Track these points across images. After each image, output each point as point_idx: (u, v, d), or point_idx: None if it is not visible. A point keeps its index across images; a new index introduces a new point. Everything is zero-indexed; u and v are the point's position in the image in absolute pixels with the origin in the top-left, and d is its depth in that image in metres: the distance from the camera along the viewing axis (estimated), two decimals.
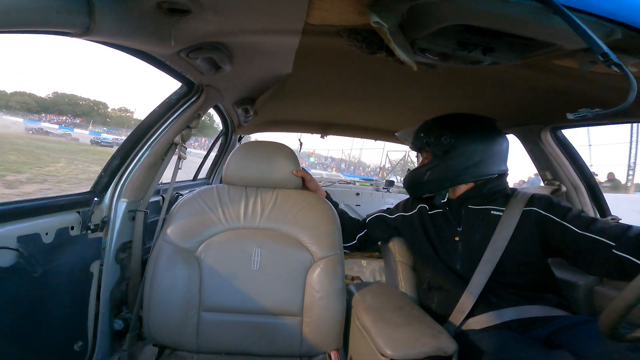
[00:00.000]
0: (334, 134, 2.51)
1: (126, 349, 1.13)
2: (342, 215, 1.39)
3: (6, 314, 0.82)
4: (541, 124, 1.46)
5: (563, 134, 1.51)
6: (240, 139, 2.56)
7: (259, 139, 1.47)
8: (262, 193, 1.23)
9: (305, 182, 1.34)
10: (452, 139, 1.18)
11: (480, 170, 1.16)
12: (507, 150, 1.21)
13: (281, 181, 1.24)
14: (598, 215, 1.48)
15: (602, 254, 0.93)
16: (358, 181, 3.15)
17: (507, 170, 1.21)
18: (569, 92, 1.08)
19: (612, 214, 1.46)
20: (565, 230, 1.01)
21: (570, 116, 0.61)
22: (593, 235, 0.95)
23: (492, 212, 1.14)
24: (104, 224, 1.13)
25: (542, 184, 1.63)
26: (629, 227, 0.94)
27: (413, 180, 1.28)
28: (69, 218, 1.00)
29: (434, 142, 1.21)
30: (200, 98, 1.24)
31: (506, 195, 1.17)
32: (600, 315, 0.64)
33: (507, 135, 1.66)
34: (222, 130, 2.26)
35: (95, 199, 1.10)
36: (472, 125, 1.21)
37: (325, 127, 2.41)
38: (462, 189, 1.21)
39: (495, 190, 1.18)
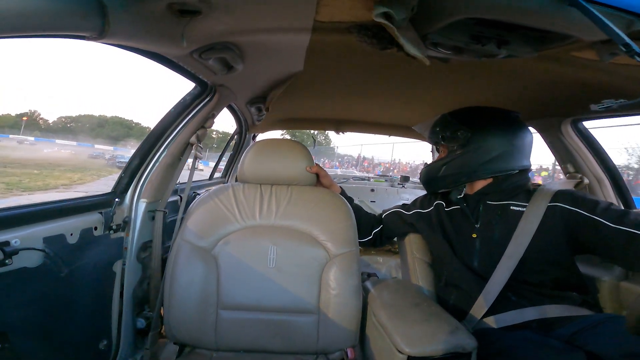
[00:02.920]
0: (348, 131, 2.50)
1: (148, 348, 1.16)
2: (358, 210, 1.39)
3: (34, 313, 0.85)
4: (561, 116, 1.42)
5: (584, 126, 1.45)
6: (254, 137, 2.58)
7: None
8: (276, 190, 1.24)
9: (319, 178, 1.34)
10: (468, 133, 1.15)
11: (499, 166, 1.12)
12: (530, 145, 1.16)
13: (295, 178, 1.25)
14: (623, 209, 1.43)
15: None
16: (373, 177, 3.13)
17: (529, 165, 1.16)
18: (589, 83, 1.05)
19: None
20: (598, 225, 0.96)
21: (594, 107, 0.59)
22: (629, 230, 0.90)
23: (511, 207, 1.10)
24: (126, 224, 1.16)
25: None
26: None
27: (428, 175, 1.26)
28: (92, 219, 1.03)
29: (449, 136, 1.19)
30: (213, 98, 1.26)
31: (528, 191, 1.13)
32: (627, 311, 0.62)
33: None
34: (236, 129, 2.29)
35: (117, 199, 1.13)
36: (491, 118, 1.17)
37: (339, 124, 2.40)
38: (480, 184, 1.18)
39: (516, 186, 1.13)
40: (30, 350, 0.84)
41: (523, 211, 1.08)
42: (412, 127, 1.73)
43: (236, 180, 1.32)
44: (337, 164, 26.28)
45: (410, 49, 0.73)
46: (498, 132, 1.13)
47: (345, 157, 29.17)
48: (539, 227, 1.03)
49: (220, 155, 2.56)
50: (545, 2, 0.57)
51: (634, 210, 0.98)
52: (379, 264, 2.32)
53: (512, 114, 1.20)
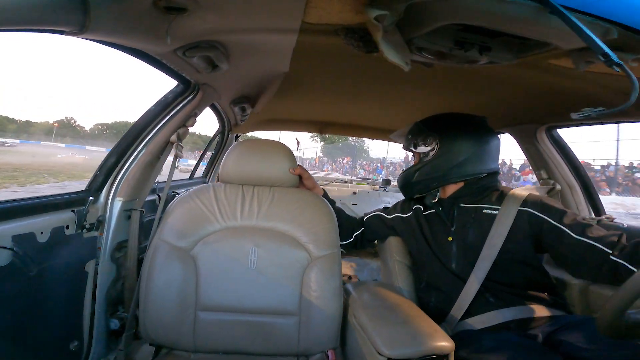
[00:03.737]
0: (331, 133, 2.51)
1: (122, 349, 1.12)
2: (339, 213, 1.39)
3: (1, 313, 0.81)
4: (537, 124, 1.47)
5: (558, 134, 1.52)
6: (237, 137, 2.55)
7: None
8: (258, 191, 1.22)
9: (302, 180, 1.34)
10: (437, 140, 1.20)
11: (466, 170, 1.17)
12: (496, 148, 1.21)
13: (278, 179, 1.24)
14: (593, 214, 1.49)
15: (598, 260, 0.94)
16: (355, 180, 3.16)
17: (497, 168, 1.22)
18: (564, 91, 1.09)
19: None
20: (562, 234, 1.01)
21: (574, 116, 0.61)
22: (590, 242, 0.96)
23: (484, 210, 1.14)
24: (100, 223, 1.13)
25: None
26: (622, 233, 0.95)
27: (404, 181, 1.32)
28: (64, 217, 1.00)
29: (420, 144, 1.25)
30: (196, 97, 1.24)
31: (499, 193, 1.17)
32: (598, 315, 0.64)
33: (504, 135, 1.68)
34: (218, 129, 2.26)
35: (91, 197, 1.09)
36: (457, 124, 1.22)
37: (322, 126, 2.41)
38: (452, 188, 1.22)
39: (486, 187, 1.19)
40: None
41: (495, 214, 1.12)
42: (389, 136, 1.78)
43: (217, 181, 1.30)
44: (379, 165, 22.41)
45: (390, 54, 0.74)
46: (464, 137, 1.18)
47: (389, 160, 23.80)
48: (510, 230, 1.07)
49: (202, 154, 2.51)
50: (527, 10, 0.59)
51: (597, 225, 1.03)
52: (360, 266, 2.34)
53: (478, 118, 1.24)
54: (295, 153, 1.34)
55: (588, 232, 0.98)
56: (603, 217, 1.43)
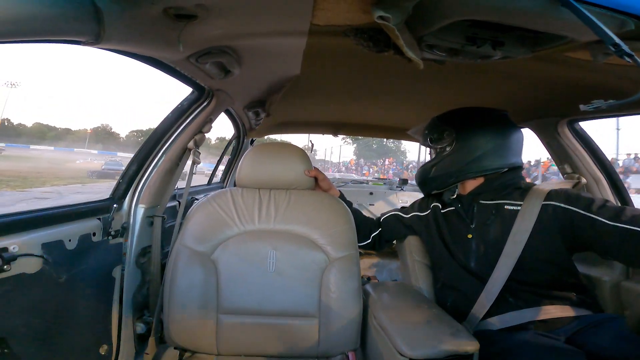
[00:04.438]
0: (346, 134, 2.51)
1: (149, 352, 1.15)
2: (356, 214, 1.38)
3: (33, 318, 0.85)
4: (557, 117, 1.43)
5: (581, 127, 1.46)
6: (252, 142, 2.58)
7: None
8: (275, 194, 1.23)
9: (318, 182, 1.34)
10: (453, 134, 1.17)
11: (484, 164, 1.13)
12: (518, 142, 1.16)
13: (294, 182, 1.25)
14: None
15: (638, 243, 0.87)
16: (371, 180, 3.14)
17: (519, 163, 1.17)
18: (584, 84, 1.05)
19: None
20: (595, 223, 0.94)
21: (583, 108, 0.59)
22: (625, 226, 0.89)
23: (506, 207, 1.10)
24: (124, 230, 1.16)
25: None
26: None
27: (421, 177, 1.29)
28: (91, 224, 1.03)
29: (436, 139, 1.23)
30: (211, 103, 1.26)
31: (521, 189, 1.12)
32: (629, 310, 0.62)
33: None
34: (234, 134, 2.29)
35: (115, 205, 1.13)
36: (475, 118, 1.18)
37: (336, 127, 2.41)
38: (472, 184, 1.19)
39: (507, 184, 1.14)
40: (29, 355, 0.84)
41: (518, 210, 1.07)
42: (407, 132, 1.76)
43: (235, 185, 1.32)
44: None
45: (408, 51, 0.73)
46: (481, 131, 1.14)
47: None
48: (534, 226, 1.02)
49: (218, 160, 2.55)
50: (538, 3, 0.58)
51: (629, 207, 0.97)
52: (379, 267, 2.32)
53: (497, 112, 1.20)
54: (309, 154, 1.34)
55: (622, 216, 0.90)
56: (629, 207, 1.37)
